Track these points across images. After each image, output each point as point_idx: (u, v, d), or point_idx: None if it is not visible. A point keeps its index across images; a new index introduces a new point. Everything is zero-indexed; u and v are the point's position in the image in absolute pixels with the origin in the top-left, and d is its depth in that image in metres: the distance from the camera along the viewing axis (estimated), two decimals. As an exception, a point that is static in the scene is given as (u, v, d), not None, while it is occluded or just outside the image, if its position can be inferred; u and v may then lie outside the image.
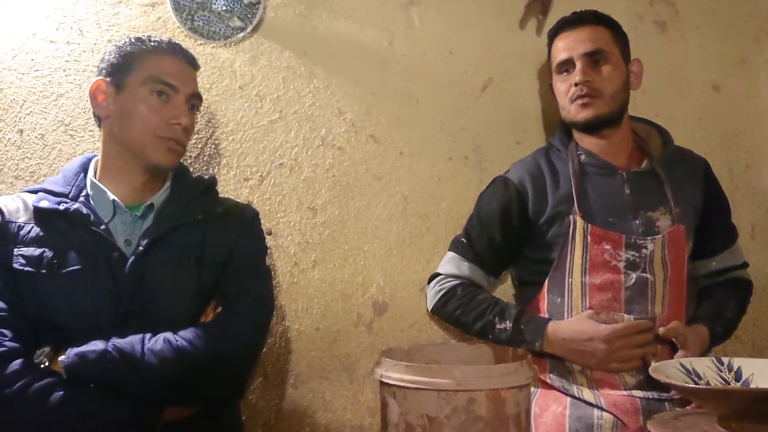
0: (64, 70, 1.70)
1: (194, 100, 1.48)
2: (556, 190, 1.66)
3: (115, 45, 1.46)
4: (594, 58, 1.64)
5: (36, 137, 1.68)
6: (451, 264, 1.74)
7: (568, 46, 1.67)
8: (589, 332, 1.53)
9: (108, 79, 1.42)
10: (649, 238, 1.58)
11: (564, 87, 1.68)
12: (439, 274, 1.75)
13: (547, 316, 1.64)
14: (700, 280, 1.77)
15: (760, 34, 2.10)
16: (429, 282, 1.78)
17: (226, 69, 1.77)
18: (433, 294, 1.74)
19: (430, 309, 1.77)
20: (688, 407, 1.48)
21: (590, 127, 1.67)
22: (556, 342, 1.56)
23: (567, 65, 1.67)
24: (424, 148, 1.87)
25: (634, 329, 1.52)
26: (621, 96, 1.66)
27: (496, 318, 1.63)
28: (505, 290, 1.87)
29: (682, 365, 1.34)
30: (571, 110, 1.66)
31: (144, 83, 1.41)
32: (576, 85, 1.63)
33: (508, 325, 1.61)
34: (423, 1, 1.89)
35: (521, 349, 1.51)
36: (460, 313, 1.68)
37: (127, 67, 1.42)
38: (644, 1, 2.02)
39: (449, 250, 1.77)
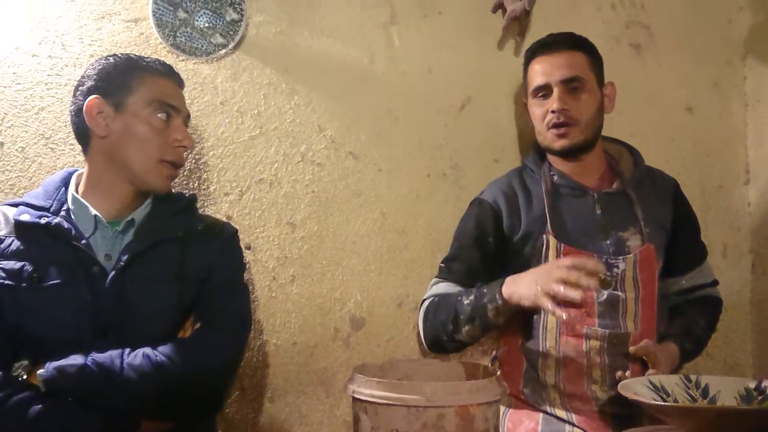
0: (46, 84, 1.71)
1: (187, 120, 1.51)
2: (529, 209, 1.69)
3: (108, 62, 1.44)
4: (571, 85, 1.66)
5: (16, 150, 1.68)
6: (431, 290, 1.73)
7: (546, 71, 1.68)
8: (538, 267, 1.53)
9: (105, 99, 1.40)
10: (621, 257, 1.61)
11: (540, 112, 1.70)
12: (422, 304, 1.74)
13: (523, 332, 1.66)
14: (671, 298, 1.80)
15: (733, 57, 2.15)
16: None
17: (208, 85, 1.79)
18: (420, 323, 1.72)
19: (424, 339, 1.71)
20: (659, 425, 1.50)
21: (565, 154, 1.70)
22: (510, 282, 1.53)
23: (544, 90, 1.69)
24: (403, 165, 1.90)
25: (578, 263, 1.44)
26: (596, 122, 1.69)
27: (462, 297, 1.61)
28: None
29: (650, 382, 1.36)
30: (548, 137, 1.69)
31: (147, 105, 1.40)
32: (553, 112, 1.65)
33: (473, 296, 1.58)
34: (403, 21, 1.92)
35: (489, 313, 1.53)
36: (437, 315, 1.65)
37: (126, 86, 1.41)
38: (620, 24, 2.06)
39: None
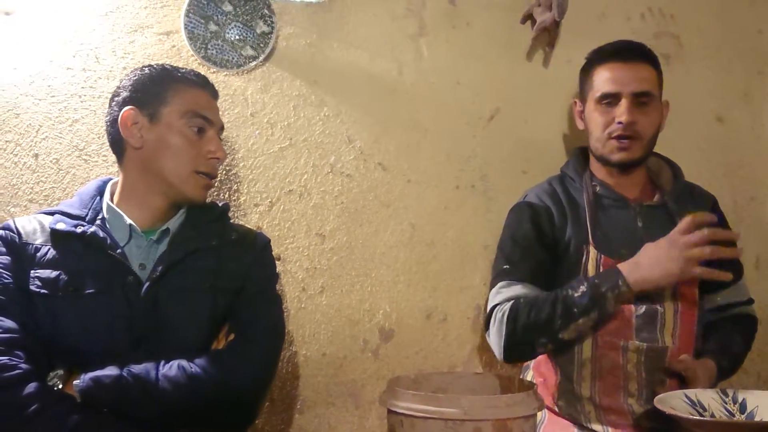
0: (80, 96, 1.73)
1: (221, 132, 1.52)
2: (574, 218, 1.67)
3: (143, 73, 1.45)
4: (641, 100, 1.63)
5: (51, 161, 1.70)
6: (502, 294, 1.63)
7: (618, 79, 1.64)
8: (661, 244, 1.52)
9: (141, 110, 1.41)
10: None
11: (603, 120, 1.66)
12: (493, 309, 1.63)
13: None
14: (705, 316, 1.76)
15: (764, 67, 2.13)
16: (486, 325, 1.65)
17: (238, 96, 1.81)
18: (497, 327, 1.60)
19: (503, 346, 1.58)
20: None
21: (621, 167, 1.68)
22: (631, 269, 1.52)
23: (611, 98, 1.65)
24: (432, 177, 1.90)
25: (691, 223, 1.49)
26: (654, 140, 1.69)
27: (569, 290, 1.54)
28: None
29: (686, 396, 1.35)
30: (608, 145, 1.66)
31: (181, 116, 1.41)
32: (619, 123, 1.62)
33: (584, 286, 1.53)
34: (432, 32, 1.93)
35: (609, 303, 1.51)
36: (535, 314, 1.55)
37: (161, 97, 1.41)
38: (649, 34, 2.05)
39: (493, 284, 1.67)
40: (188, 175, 1.42)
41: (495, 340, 1.61)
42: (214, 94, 1.51)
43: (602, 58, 1.70)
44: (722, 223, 1.77)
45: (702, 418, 1.30)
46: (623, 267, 1.53)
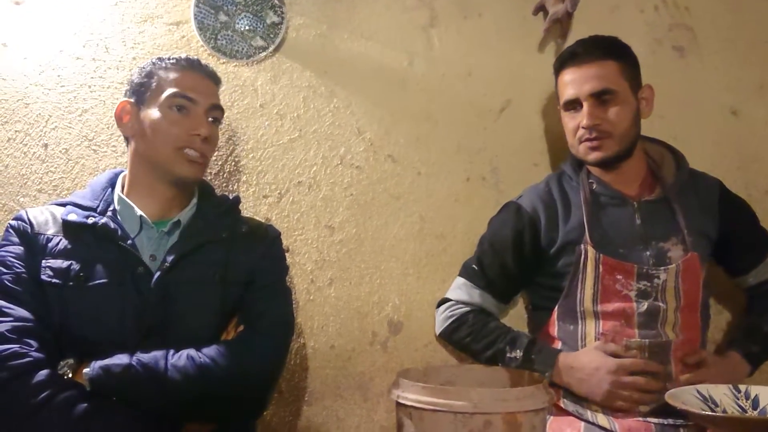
0: (89, 87, 1.73)
1: (215, 112, 1.50)
2: (567, 219, 1.66)
3: (139, 67, 1.50)
4: (601, 98, 1.61)
5: (60, 152, 1.70)
6: (462, 290, 1.74)
7: (575, 83, 1.63)
8: (597, 362, 1.53)
9: (131, 100, 1.46)
10: (662, 268, 1.57)
11: (572, 125, 1.65)
12: (448, 300, 1.76)
13: (559, 342, 1.64)
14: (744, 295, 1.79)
15: (780, 59, 2.10)
16: (438, 306, 1.78)
17: (248, 87, 1.80)
18: (442, 319, 1.75)
19: (438, 333, 1.78)
20: (703, 434, 1.47)
21: (600, 165, 1.66)
22: (564, 371, 1.57)
23: (574, 104, 1.64)
24: (442, 169, 1.88)
25: (640, 367, 1.52)
26: (631, 132, 1.64)
27: (507, 347, 1.63)
28: (516, 315, 1.86)
29: (698, 392, 1.34)
30: (580, 150, 1.65)
31: (165, 98, 1.43)
32: (584, 128, 1.61)
33: (519, 354, 1.61)
34: (443, 23, 1.91)
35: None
36: (471, 340, 1.69)
37: (147, 85, 1.45)
38: (663, 26, 2.03)
39: (460, 275, 1.77)
40: (172, 153, 1.42)
41: (437, 324, 1.78)
42: (208, 74, 1.51)
43: (560, 64, 1.69)
44: (734, 205, 1.75)
45: (714, 413, 1.28)
46: (563, 360, 1.58)
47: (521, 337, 1.65)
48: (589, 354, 1.56)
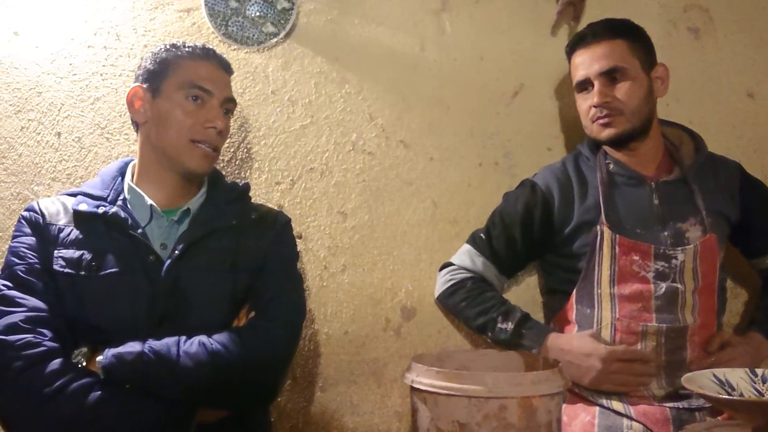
0: (101, 75, 1.73)
1: (228, 104, 1.50)
2: (584, 199, 1.65)
3: (152, 52, 1.48)
4: (611, 76, 1.61)
5: (73, 140, 1.71)
6: (466, 256, 1.75)
7: (584, 64, 1.65)
8: (588, 348, 1.53)
9: (144, 86, 1.45)
10: (680, 248, 1.57)
11: (585, 106, 1.67)
12: (451, 264, 1.77)
13: (575, 326, 1.63)
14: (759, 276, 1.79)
15: (797, 40, 2.07)
16: (440, 270, 1.79)
17: (259, 74, 1.79)
18: (442, 282, 1.76)
19: (436, 296, 1.79)
20: (719, 417, 1.46)
21: (615, 144, 1.66)
22: (553, 351, 1.56)
23: (585, 84, 1.65)
24: (455, 154, 1.87)
25: (632, 355, 1.52)
26: (644, 109, 1.63)
27: (500, 317, 1.64)
28: (518, 295, 1.86)
29: (715, 376, 1.33)
30: (594, 129, 1.66)
31: (180, 88, 1.42)
32: (595, 107, 1.62)
33: (510, 326, 1.62)
34: (454, 8, 1.89)
35: (516, 348, 1.56)
36: (465, 305, 1.69)
37: (162, 72, 1.44)
38: (678, 8, 2.00)
39: (467, 242, 1.77)
40: (185, 145, 1.42)
41: (438, 286, 1.78)
42: (222, 65, 1.50)
43: (571, 48, 1.71)
44: (755, 187, 1.74)
45: (731, 397, 1.27)
46: (553, 340, 1.58)
47: (515, 310, 1.66)
48: (581, 338, 1.56)
